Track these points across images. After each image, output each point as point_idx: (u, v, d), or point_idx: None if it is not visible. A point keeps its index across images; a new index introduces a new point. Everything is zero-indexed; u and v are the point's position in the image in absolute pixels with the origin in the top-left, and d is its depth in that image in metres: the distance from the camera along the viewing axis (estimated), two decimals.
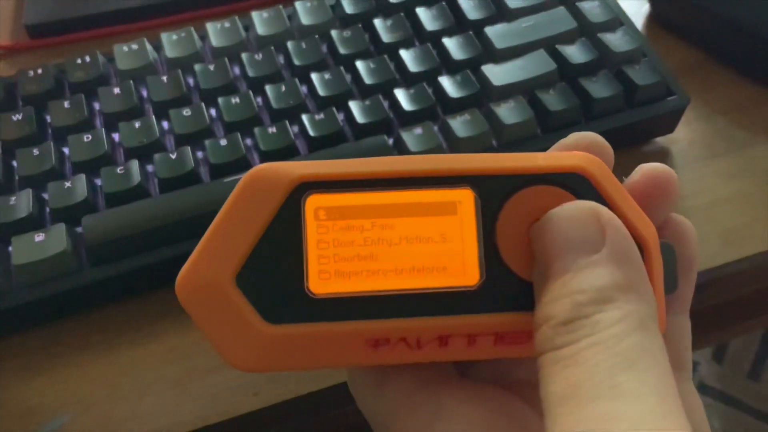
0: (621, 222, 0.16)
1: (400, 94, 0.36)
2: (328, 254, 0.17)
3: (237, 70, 0.38)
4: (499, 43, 0.38)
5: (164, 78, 0.37)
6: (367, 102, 0.36)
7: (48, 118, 0.36)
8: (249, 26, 0.40)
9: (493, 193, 0.18)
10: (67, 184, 0.33)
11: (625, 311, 0.15)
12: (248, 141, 0.35)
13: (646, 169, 0.19)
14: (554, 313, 0.15)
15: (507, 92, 0.36)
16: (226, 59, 0.38)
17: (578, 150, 0.19)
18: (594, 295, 0.15)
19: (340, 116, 0.35)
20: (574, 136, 0.20)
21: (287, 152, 0.34)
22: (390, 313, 0.17)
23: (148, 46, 0.39)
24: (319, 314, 0.17)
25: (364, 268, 0.17)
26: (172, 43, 0.39)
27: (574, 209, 0.17)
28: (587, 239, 0.16)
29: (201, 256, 0.17)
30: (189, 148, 0.34)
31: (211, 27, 0.39)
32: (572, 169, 0.18)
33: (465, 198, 0.18)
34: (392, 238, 0.17)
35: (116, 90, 0.36)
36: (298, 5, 0.40)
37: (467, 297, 0.17)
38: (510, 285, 0.17)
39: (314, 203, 0.17)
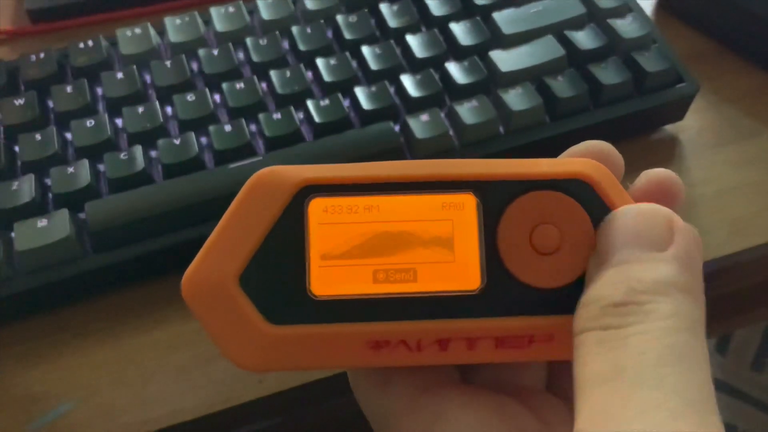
0: (694, 233, 0.16)
1: (407, 80, 0.36)
2: (330, 257, 0.18)
3: (241, 55, 0.38)
4: (507, 29, 0.37)
5: (168, 63, 0.37)
6: (373, 88, 0.35)
7: (50, 103, 0.36)
8: (253, 11, 0.39)
9: (496, 198, 0.18)
10: (70, 169, 0.32)
11: (679, 308, 0.15)
12: (253, 127, 0.35)
13: (650, 174, 0.19)
14: (606, 294, 0.16)
15: (515, 78, 0.36)
16: (231, 44, 0.37)
17: (589, 158, 0.19)
18: (651, 285, 0.15)
19: (346, 102, 0.35)
20: (585, 144, 0.19)
21: (292, 138, 0.34)
22: (391, 316, 0.17)
23: (152, 31, 0.38)
24: (320, 316, 0.17)
25: (366, 270, 0.18)
26: (175, 27, 0.38)
27: (649, 208, 0.17)
28: (655, 237, 0.16)
29: (206, 256, 0.18)
30: (193, 133, 0.34)
31: (215, 11, 0.39)
32: (575, 175, 0.18)
33: (467, 203, 0.18)
34: (394, 242, 0.18)
35: (119, 75, 0.36)
36: None
37: (468, 301, 0.18)
38: (511, 289, 0.18)
39: (318, 206, 0.18)
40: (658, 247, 0.16)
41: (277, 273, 0.17)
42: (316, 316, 0.17)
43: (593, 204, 0.18)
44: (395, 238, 0.18)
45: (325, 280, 0.17)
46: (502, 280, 0.18)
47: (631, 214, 0.17)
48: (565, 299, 0.17)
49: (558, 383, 0.21)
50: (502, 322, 0.17)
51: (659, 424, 0.13)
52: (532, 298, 0.18)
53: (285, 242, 0.17)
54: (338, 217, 0.18)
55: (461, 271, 0.18)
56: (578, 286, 0.17)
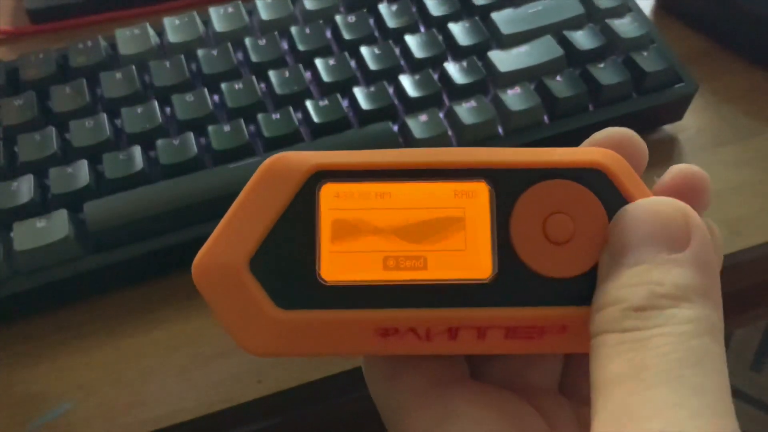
0: (707, 229, 0.16)
1: (406, 81, 0.36)
2: (340, 242, 0.17)
3: (240, 56, 0.38)
4: (506, 29, 0.37)
5: (167, 63, 0.37)
6: (372, 88, 0.35)
7: (49, 104, 0.36)
8: (252, 11, 0.39)
9: (508, 187, 0.18)
10: (69, 169, 0.32)
11: (700, 314, 0.15)
12: (251, 127, 0.35)
13: (677, 170, 0.19)
14: (627, 297, 0.15)
15: (514, 79, 0.36)
16: (229, 44, 0.37)
17: (610, 146, 0.19)
18: (673, 290, 0.15)
19: (345, 103, 0.35)
20: (608, 131, 0.19)
21: (291, 139, 0.34)
22: (400, 303, 0.17)
23: (151, 31, 0.38)
24: (330, 301, 0.17)
25: (376, 257, 0.17)
26: (174, 27, 0.38)
27: (664, 203, 0.16)
28: (672, 236, 0.16)
29: (217, 240, 0.18)
30: (192, 134, 0.34)
31: (214, 12, 0.39)
32: (589, 164, 0.18)
33: (480, 191, 0.18)
34: (405, 229, 0.18)
35: (118, 75, 0.36)
36: None
37: (479, 290, 0.17)
38: (523, 279, 0.17)
39: (329, 192, 0.18)
40: (676, 246, 0.16)
41: (287, 258, 0.17)
42: (326, 302, 0.17)
43: (608, 194, 0.17)
44: (406, 225, 0.18)
45: (336, 266, 0.17)
46: (514, 269, 0.17)
47: (646, 209, 0.16)
48: (578, 290, 0.17)
49: (571, 383, 0.21)
50: (513, 312, 0.17)
51: (679, 423, 0.13)
52: (544, 287, 0.17)
53: (296, 227, 0.17)
54: (349, 203, 0.18)
55: (473, 260, 0.17)
56: (591, 276, 0.17)
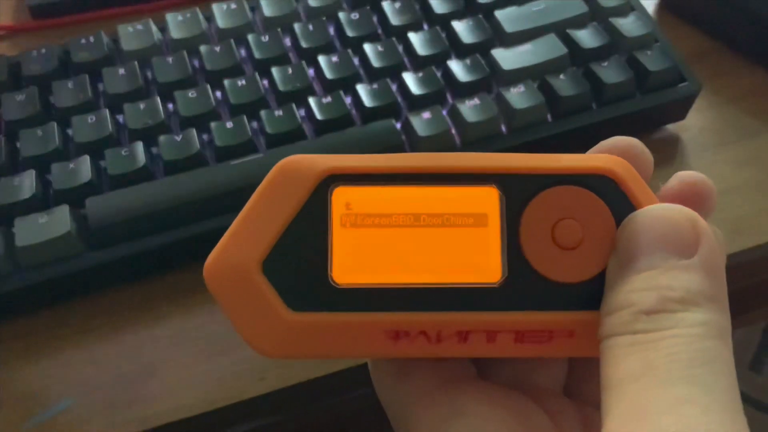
0: (717, 234, 0.17)
1: (409, 78, 0.35)
2: (352, 245, 0.18)
3: (243, 52, 0.38)
4: (510, 27, 0.37)
5: (169, 59, 0.36)
6: (375, 85, 0.35)
7: (52, 99, 0.36)
8: (255, 7, 0.39)
9: (518, 192, 0.18)
10: (71, 165, 0.32)
11: (709, 317, 0.15)
12: (254, 124, 0.35)
13: (683, 176, 0.19)
14: (637, 301, 0.16)
15: (517, 77, 0.35)
16: (232, 41, 0.37)
17: (617, 153, 0.19)
18: (683, 295, 0.15)
19: (348, 100, 0.35)
20: (614, 140, 0.20)
21: (294, 136, 0.34)
22: (411, 306, 0.17)
23: (153, 27, 0.38)
24: (341, 304, 0.17)
25: (387, 260, 0.18)
26: (177, 24, 0.38)
27: (672, 210, 0.17)
28: (681, 242, 0.16)
29: (229, 242, 0.18)
30: (194, 130, 0.34)
31: (217, 8, 0.39)
32: (598, 171, 0.18)
33: (490, 196, 0.18)
34: (416, 233, 0.18)
35: (121, 71, 0.36)
36: None
37: (489, 294, 0.18)
38: (532, 283, 0.18)
39: (341, 195, 0.18)
40: (685, 252, 0.16)
41: (299, 260, 0.18)
42: (337, 304, 0.17)
43: (616, 200, 0.18)
44: (417, 229, 0.18)
45: (347, 268, 0.18)
46: (524, 274, 0.18)
47: (655, 216, 0.17)
48: (585, 295, 0.17)
49: (575, 386, 0.21)
50: (522, 316, 0.17)
51: (691, 418, 0.14)
52: (552, 292, 0.18)
53: (308, 229, 0.18)
54: (361, 206, 0.18)
55: (483, 264, 0.18)
56: (599, 281, 0.17)
